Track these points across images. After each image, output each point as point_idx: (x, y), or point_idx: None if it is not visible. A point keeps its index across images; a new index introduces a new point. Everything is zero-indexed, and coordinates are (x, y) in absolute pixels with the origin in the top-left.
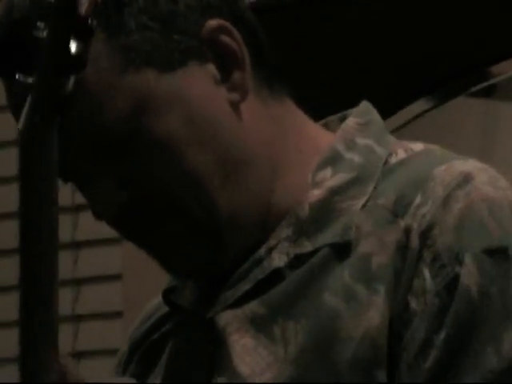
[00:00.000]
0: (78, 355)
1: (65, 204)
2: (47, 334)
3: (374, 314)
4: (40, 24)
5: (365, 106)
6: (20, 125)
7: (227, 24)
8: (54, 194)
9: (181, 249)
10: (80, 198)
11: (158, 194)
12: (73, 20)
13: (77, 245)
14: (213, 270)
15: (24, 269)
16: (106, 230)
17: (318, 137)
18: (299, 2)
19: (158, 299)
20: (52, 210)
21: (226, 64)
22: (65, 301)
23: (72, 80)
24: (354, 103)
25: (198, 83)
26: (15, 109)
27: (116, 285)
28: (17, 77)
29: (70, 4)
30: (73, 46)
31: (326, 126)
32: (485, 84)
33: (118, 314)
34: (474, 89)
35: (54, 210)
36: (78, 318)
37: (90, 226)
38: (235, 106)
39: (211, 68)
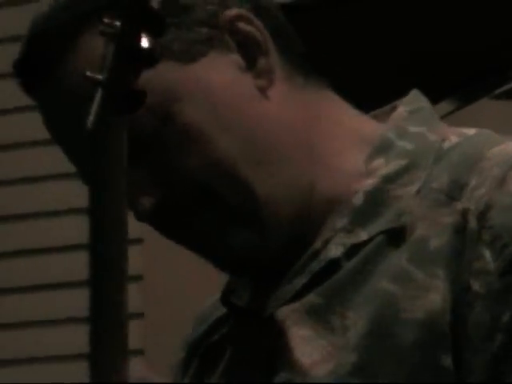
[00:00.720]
0: None
1: (83, 205)
2: (116, 336)
3: (435, 297)
4: (107, 19)
5: (414, 94)
6: (89, 122)
7: (246, 12)
8: (123, 191)
9: (222, 239)
10: None
11: (192, 186)
12: (145, 14)
13: None
14: (257, 258)
15: (94, 268)
16: None
17: (361, 126)
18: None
19: (211, 301)
20: (122, 209)
21: (250, 51)
22: (84, 302)
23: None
24: (375, 105)
25: (222, 72)
26: (65, 105)
27: (137, 286)
28: (87, 73)
29: None
30: (144, 41)
31: (375, 117)
32: (508, 86)
33: (138, 316)
34: (497, 91)
35: (124, 209)
36: None
37: None
38: (263, 92)
39: (235, 57)
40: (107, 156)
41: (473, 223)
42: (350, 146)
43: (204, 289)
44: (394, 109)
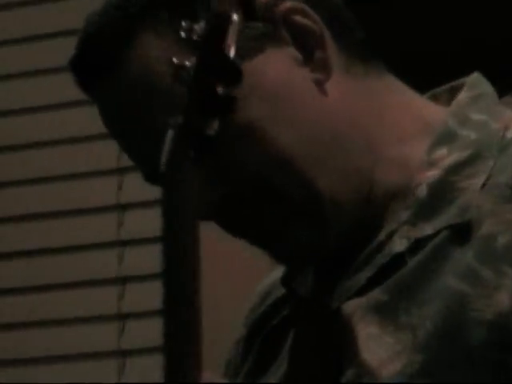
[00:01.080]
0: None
1: (110, 166)
2: (190, 332)
3: (504, 296)
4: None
5: (476, 77)
6: (162, 162)
7: (300, 5)
8: (194, 224)
9: (284, 233)
10: (125, 161)
11: (254, 182)
12: (221, 63)
13: (122, 207)
14: (318, 251)
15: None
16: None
17: (426, 112)
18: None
19: (270, 278)
20: (191, 237)
21: (306, 44)
22: (111, 262)
23: (217, 122)
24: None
25: (279, 67)
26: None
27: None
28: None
29: (219, 46)
30: (220, 89)
31: (435, 99)
32: None
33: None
34: None
35: (194, 235)
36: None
37: (135, 188)
38: (320, 85)
39: (291, 50)
40: (178, 194)
41: None
42: (412, 134)
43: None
44: (454, 90)
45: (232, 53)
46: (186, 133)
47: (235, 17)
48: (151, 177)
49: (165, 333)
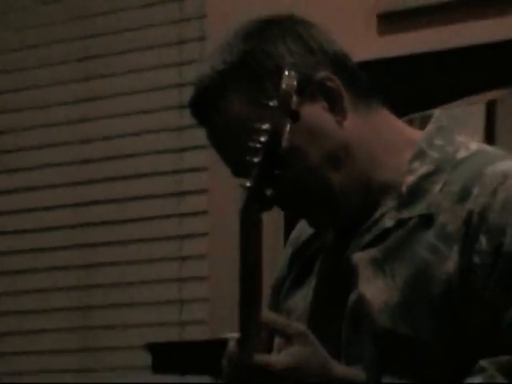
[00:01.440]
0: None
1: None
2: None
3: (451, 264)
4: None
5: (439, 112)
6: (240, 207)
7: (327, 73)
8: (260, 255)
9: (313, 214)
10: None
11: (296, 185)
12: (278, 155)
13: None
14: (333, 224)
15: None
16: None
17: (407, 132)
18: None
19: (301, 226)
20: (258, 260)
21: (331, 99)
22: None
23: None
24: None
25: (315, 113)
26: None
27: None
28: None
29: (277, 143)
30: (278, 168)
31: (410, 122)
32: None
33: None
34: None
35: (260, 259)
36: None
37: None
38: (340, 123)
39: (323, 103)
40: (250, 236)
41: (475, 219)
42: (399, 148)
43: None
44: (425, 119)
45: (286, 144)
46: (255, 194)
47: (294, 98)
48: (234, 175)
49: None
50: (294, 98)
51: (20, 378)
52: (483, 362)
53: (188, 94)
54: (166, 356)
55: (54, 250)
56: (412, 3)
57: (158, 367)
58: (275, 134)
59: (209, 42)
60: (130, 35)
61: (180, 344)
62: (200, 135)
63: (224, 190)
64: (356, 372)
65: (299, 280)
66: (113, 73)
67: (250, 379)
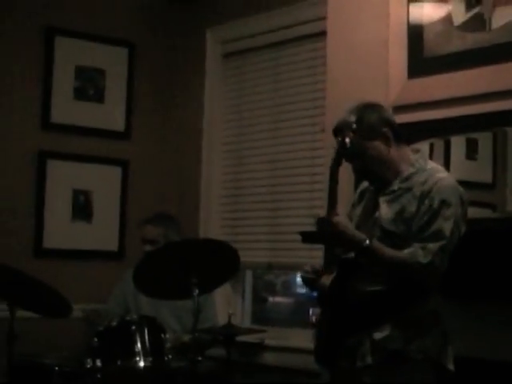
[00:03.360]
0: None
1: None
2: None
3: (414, 207)
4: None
5: (423, 151)
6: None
7: (387, 130)
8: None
9: (369, 178)
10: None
11: (370, 169)
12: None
13: None
14: (376, 185)
15: None
16: None
17: (410, 156)
18: None
19: (362, 185)
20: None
21: (387, 140)
22: None
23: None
24: None
25: (378, 146)
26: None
27: None
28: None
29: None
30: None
31: (414, 150)
32: None
33: None
34: None
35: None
36: None
37: None
38: (388, 150)
39: (383, 140)
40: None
41: (425, 193)
42: (405, 162)
43: None
44: (416, 151)
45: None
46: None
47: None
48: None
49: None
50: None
51: None
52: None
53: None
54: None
55: None
56: None
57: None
58: (344, 143)
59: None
60: None
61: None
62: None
63: None
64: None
65: (357, 204)
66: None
67: (327, 229)
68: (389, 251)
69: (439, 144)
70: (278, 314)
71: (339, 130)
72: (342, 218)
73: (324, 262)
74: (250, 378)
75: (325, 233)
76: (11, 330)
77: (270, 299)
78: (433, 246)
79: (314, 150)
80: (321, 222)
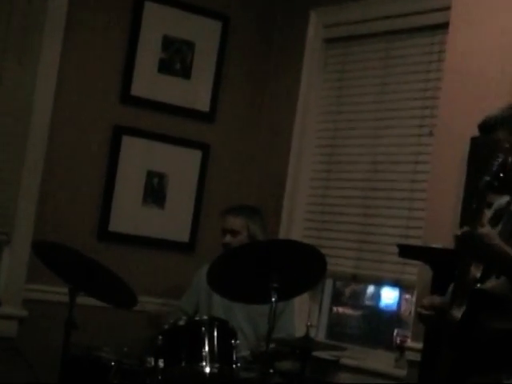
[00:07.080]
0: None
1: None
2: None
3: None
4: None
5: None
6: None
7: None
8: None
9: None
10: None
11: None
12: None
13: None
14: None
15: None
16: None
17: None
18: None
19: None
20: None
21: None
22: None
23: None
24: None
25: None
26: None
27: None
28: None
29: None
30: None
31: None
32: None
33: None
34: None
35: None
36: None
37: None
38: None
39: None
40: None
41: None
42: None
43: None
44: None
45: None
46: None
47: None
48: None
49: None
50: None
51: None
52: None
53: None
54: None
55: None
56: None
57: None
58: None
59: None
60: None
61: None
62: None
63: None
64: None
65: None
66: None
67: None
68: None
69: None
70: (353, 329)
71: (491, 126)
72: (489, 229)
73: (453, 291)
74: None
75: (467, 248)
76: (70, 317)
77: (334, 309)
78: None
79: (417, 154)
80: (463, 235)
